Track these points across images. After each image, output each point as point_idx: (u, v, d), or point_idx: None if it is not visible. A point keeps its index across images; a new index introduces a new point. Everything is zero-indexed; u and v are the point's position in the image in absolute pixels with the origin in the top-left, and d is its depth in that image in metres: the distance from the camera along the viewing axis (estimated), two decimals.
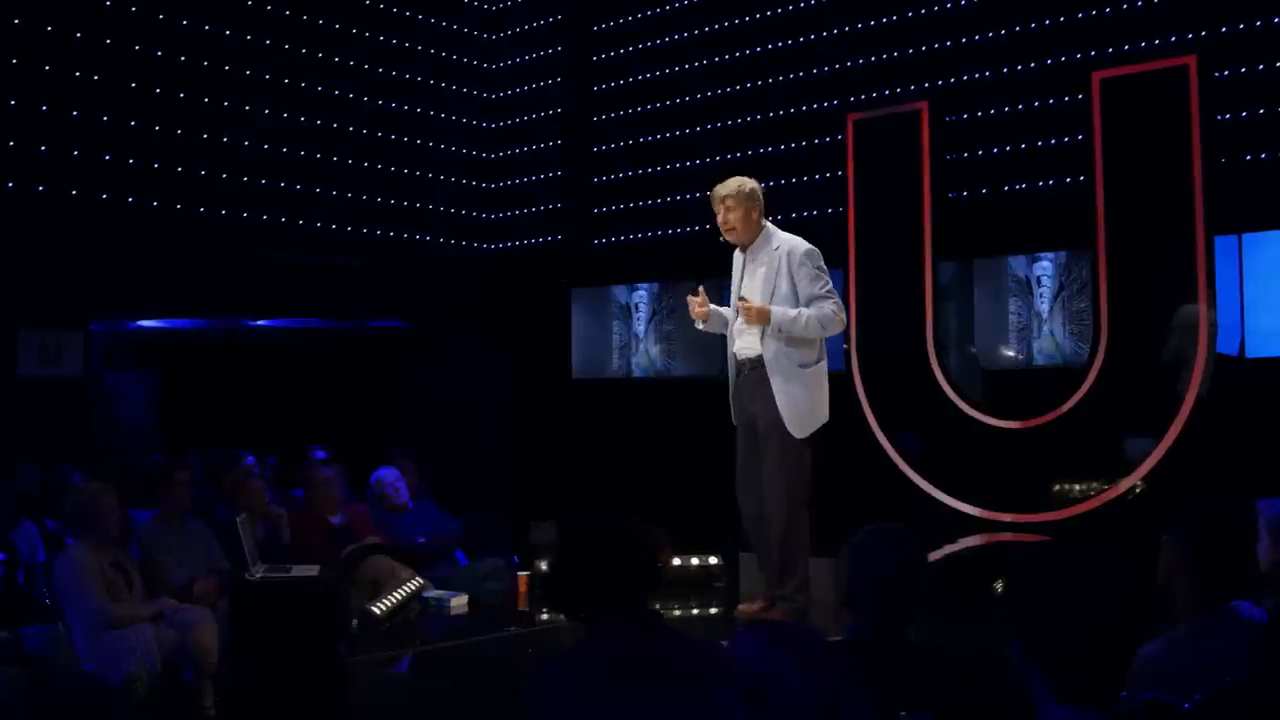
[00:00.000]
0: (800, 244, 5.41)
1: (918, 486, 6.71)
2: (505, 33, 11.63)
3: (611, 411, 10.08)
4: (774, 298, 5.31)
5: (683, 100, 10.34)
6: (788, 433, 5.28)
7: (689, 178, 9.90)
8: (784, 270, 5.34)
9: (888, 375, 7.00)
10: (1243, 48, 7.44)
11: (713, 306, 5.64)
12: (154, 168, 8.95)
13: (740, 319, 5.41)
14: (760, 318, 5.23)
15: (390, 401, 10.89)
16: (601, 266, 10.68)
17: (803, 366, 5.31)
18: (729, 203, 5.42)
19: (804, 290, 5.31)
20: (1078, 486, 6.46)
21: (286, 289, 9.82)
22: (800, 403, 5.28)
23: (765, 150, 9.68)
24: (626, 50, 10.76)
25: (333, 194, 10.14)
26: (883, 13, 9.10)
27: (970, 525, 6.44)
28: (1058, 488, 6.52)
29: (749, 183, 5.48)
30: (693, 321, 5.72)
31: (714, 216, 5.60)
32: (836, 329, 5.45)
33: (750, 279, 5.46)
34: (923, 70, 8.75)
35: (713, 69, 10.13)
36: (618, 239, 10.76)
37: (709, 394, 6.29)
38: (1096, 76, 6.46)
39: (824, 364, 5.47)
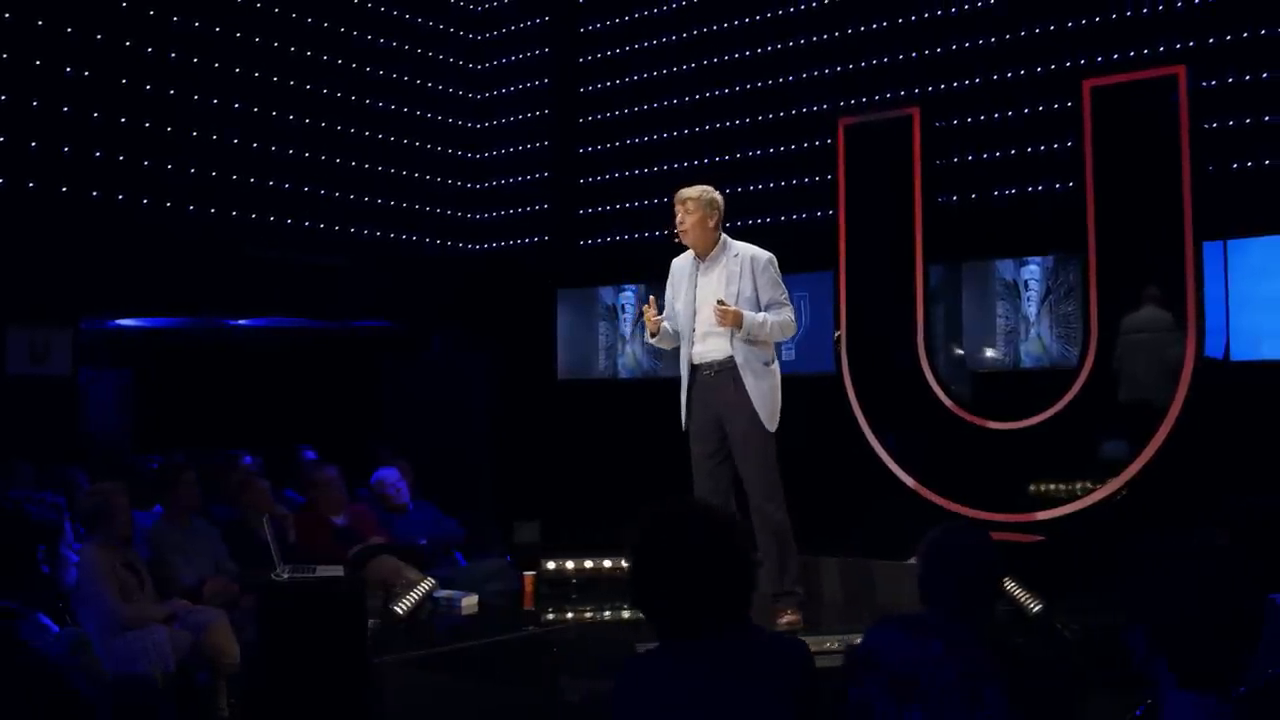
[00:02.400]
0: (761, 251, 5.59)
1: (908, 486, 6.82)
2: (492, 33, 11.62)
3: (597, 412, 10.11)
4: (737, 300, 5.47)
5: (670, 102, 10.36)
6: (764, 429, 5.44)
7: (676, 179, 9.75)
8: (746, 274, 5.51)
9: (879, 377, 7.10)
10: (1230, 58, 7.58)
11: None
12: (144, 166, 8.90)
13: (701, 322, 5.52)
14: (735, 320, 5.38)
15: (376, 401, 10.85)
16: (587, 267, 10.70)
17: (766, 364, 5.51)
18: (689, 205, 5.57)
19: (765, 295, 5.50)
20: (1067, 487, 6.58)
21: (274, 288, 9.79)
22: (768, 398, 5.47)
23: (755, 153, 9.75)
24: (613, 52, 10.78)
25: (320, 193, 10.12)
26: (875, 18, 9.16)
27: None
28: (1047, 488, 6.64)
29: (713, 192, 5.63)
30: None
31: None
32: (790, 334, 5.68)
33: (705, 285, 5.58)
34: (914, 76, 8.83)
35: (701, 71, 10.15)
36: (604, 240, 10.79)
37: None
38: (1087, 84, 6.59)
39: (778, 362, 5.66)
